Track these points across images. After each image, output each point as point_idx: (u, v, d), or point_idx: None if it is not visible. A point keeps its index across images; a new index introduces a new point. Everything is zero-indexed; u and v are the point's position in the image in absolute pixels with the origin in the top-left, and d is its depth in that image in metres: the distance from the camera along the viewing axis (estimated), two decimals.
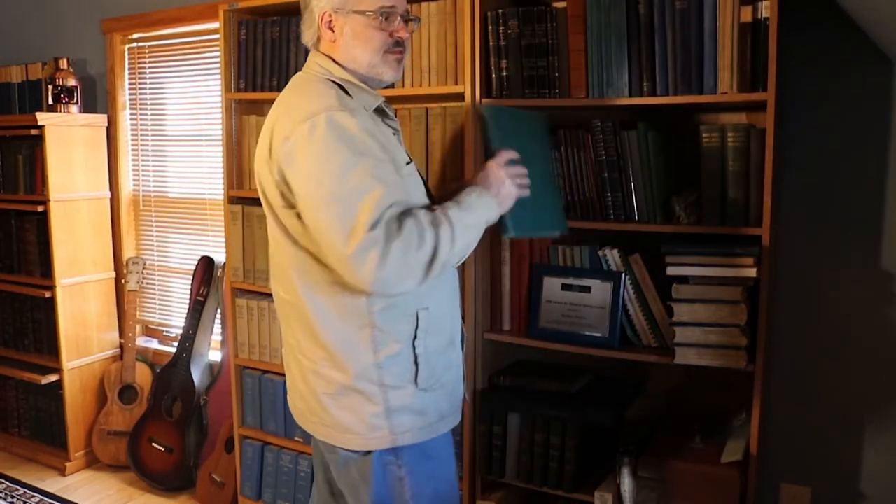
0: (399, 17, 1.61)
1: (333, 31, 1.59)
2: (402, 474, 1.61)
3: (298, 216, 1.51)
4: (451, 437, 1.72)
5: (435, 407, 1.63)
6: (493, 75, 2.20)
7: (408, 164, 1.61)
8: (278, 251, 1.62)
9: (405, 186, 1.52)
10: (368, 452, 1.59)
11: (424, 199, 1.61)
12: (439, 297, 1.63)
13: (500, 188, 1.62)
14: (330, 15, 1.59)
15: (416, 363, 1.58)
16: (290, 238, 1.56)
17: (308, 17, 1.63)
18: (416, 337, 1.58)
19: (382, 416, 1.57)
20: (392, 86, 2.32)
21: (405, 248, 1.40)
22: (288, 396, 1.76)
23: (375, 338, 1.55)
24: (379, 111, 1.62)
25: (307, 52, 2.44)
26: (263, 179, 1.58)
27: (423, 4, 2.27)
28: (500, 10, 2.16)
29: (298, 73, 1.67)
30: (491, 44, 2.19)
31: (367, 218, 1.39)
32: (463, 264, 2.23)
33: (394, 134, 1.64)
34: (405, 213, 1.44)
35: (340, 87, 1.56)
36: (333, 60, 1.61)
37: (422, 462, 1.63)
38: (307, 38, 1.66)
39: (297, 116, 1.48)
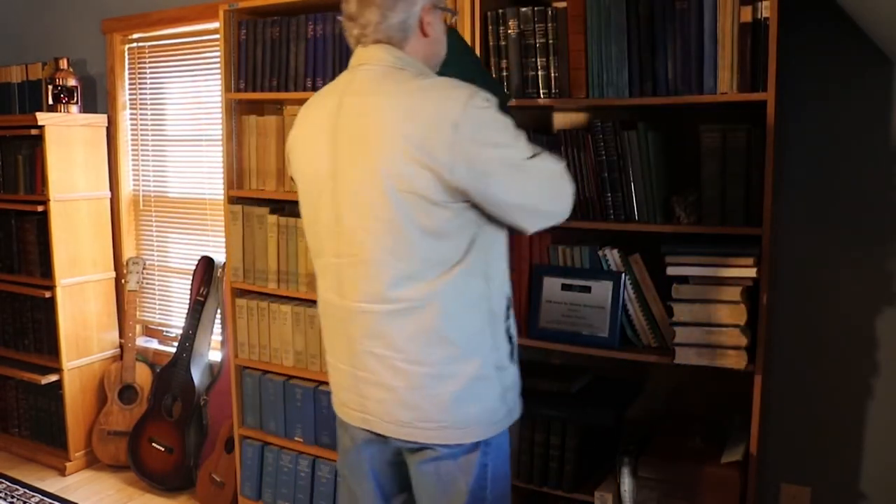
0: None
1: (428, 32, 1.54)
2: (487, 461, 1.61)
3: (446, 207, 1.45)
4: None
5: (520, 380, 1.66)
6: (493, 75, 2.20)
7: None
8: (409, 254, 1.48)
9: None
10: (477, 444, 1.58)
11: None
12: (506, 278, 1.65)
13: None
14: (429, 9, 1.53)
15: (510, 341, 1.61)
16: (433, 235, 1.47)
17: (405, 8, 1.50)
18: (507, 317, 1.61)
19: (500, 398, 1.58)
20: None
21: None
22: (360, 414, 1.61)
23: (491, 321, 1.56)
24: None
25: (307, 52, 2.43)
26: (405, 180, 1.43)
27: None
28: (500, 10, 2.16)
29: (369, 69, 1.52)
30: (491, 44, 2.19)
31: (552, 164, 1.53)
32: None
33: None
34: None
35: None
36: (410, 57, 1.54)
37: (500, 449, 1.64)
38: (393, 29, 1.51)
39: (451, 104, 1.42)
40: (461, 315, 1.51)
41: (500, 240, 1.58)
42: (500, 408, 1.58)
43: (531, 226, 1.57)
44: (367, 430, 1.62)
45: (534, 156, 1.49)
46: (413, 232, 1.46)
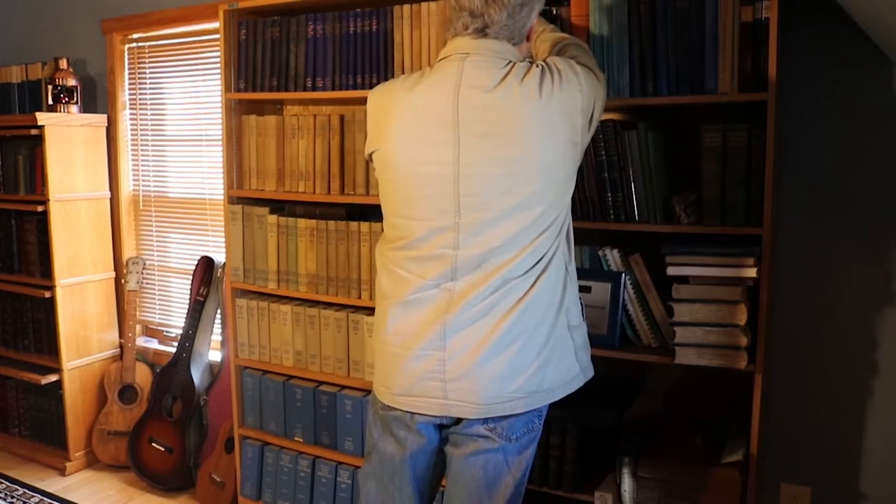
0: None
1: (531, 32, 1.66)
2: (530, 455, 1.68)
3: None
4: None
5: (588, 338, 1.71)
6: None
7: None
8: (537, 232, 1.54)
9: None
10: (540, 416, 1.65)
11: None
12: None
13: None
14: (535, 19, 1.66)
15: (580, 301, 1.67)
16: (556, 208, 1.58)
17: (527, 13, 1.58)
18: (570, 274, 1.65)
19: (573, 357, 1.63)
20: None
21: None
22: (440, 402, 1.59)
23: (568, 281, 1.62)
24: None
25: (307, 52, 2.43)
26: (551, 163, 1.54)
27: (423, 4, 2.27)
28: None
29: (494, 61, 1.55)
30: None
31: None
32: None
33: None
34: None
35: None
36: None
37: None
38: (512, 30, 1.57)
39: (568, 72, 1.55)
40: (553, 282, 1.57)
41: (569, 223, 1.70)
42: (573, 366, 1.63)
43: None
44: (430, 423, 1.63)
45: (592, 71, 1.62)
46: (548, 213, 1.56)
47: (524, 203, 1.52)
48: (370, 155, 1.66)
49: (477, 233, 1.53)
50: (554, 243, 1.58)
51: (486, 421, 1.58)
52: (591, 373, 1.69)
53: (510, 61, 1.55)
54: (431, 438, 1.66)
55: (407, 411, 1.62)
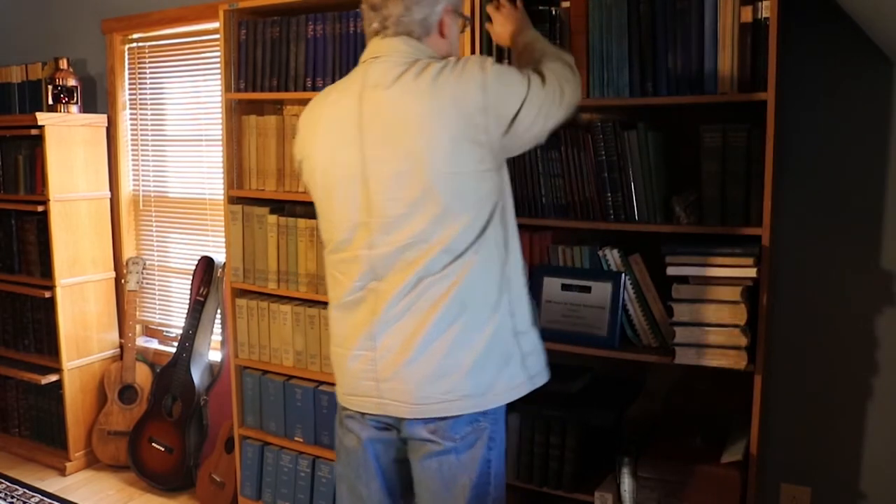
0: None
1: (446, 27, 1.63)
2: (490, 456, 1.64)
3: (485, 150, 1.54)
4: None
5: (542, 345, 1.68)
6: None
7: None
8: (448, 230, 1.53)
9: None
10: (485, 417, 1.61)
11: None
12: None
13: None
14: (450, 12, 1.63)
15: (532, 306, 1.65)
16: (469, 208, 1.54)
17: (428, 6, 1.58)
18: (525, 283, 1.64)
19: (520, 364, 1.60)
20: None
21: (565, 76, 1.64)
22: (376, 400, 1.62)
23: (506, 286, 1.59)
24: None
25: (307, 52, 2.43)
26: (449, 161, 1.52)
27: None
28: None
29: (384, 59, 1.58)
30: (494, 44, 2.19)
31: (558, 72, 1.63)
32: None
33: None
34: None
35: None
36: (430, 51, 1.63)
37: (502, 444, 1.67)
38: (414, 24, 1.58)
39: (472, 68, 1.52)
40: (479, 282, 1.55)
41: (512, 205, 1.65)
42: (518, 373, 1.60)
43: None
44: (380, 421, 1.64)
45: (542, 77, 1.58)
46: (453, 209, 1.52)
47: (424, 198, 1.52)
48: (299, 164, 1.71)
49: (387, 231, 1.55)
50: (475, 244, 1.54)
51: (425, 422, 1.59)
52: (541, 380, 1.66)
53: (416, 59, 1.55)
54: (386, 433, 1.67)
55: (356, 411, 1.67)
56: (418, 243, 1.54)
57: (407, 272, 1.55)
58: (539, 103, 1.55)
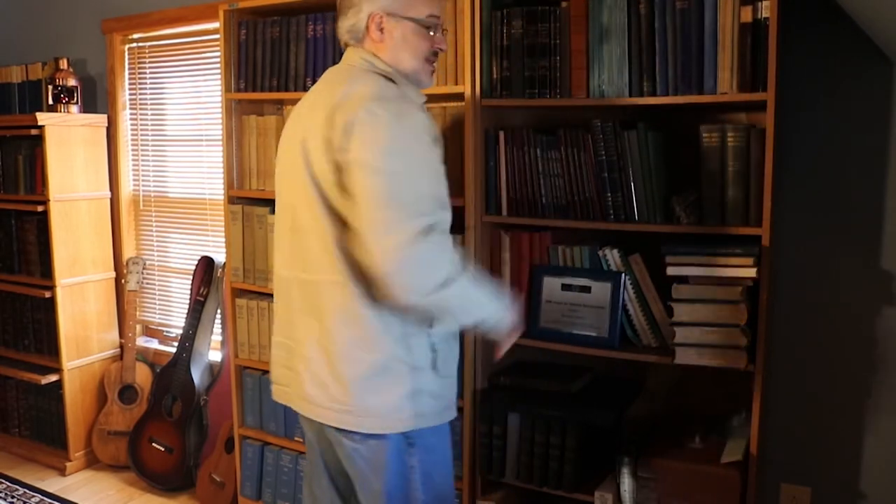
0: (442, 29, 1.69)
1: (382, 33, 1.64)
2: (414, 462, 1.64)
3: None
4: (448, 434, 1.75)
5: (448, 393, 1.70)
6: (494, 75, 2.20)
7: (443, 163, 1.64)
8: (321, 234, 1.60)
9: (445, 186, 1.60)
10: (384, 437, 1.61)
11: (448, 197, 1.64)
12: None
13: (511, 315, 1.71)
14: (381, 17, 1.63)
15: (433, 349, 1.63)
16: (340, 218, 1.56)
17: (353, 14, 1.65)
18: (431, 325, 1.63)
19: (407, 397, 1.59)
20: None
21: (434, 264, 1.50)
22: (285, 389, 1.73)
23: (404, 318, 1.59)
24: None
25: (307, 52, 2.45)
26: (315, 165, 1.58)
27: None
28: (506, 10, 2.16)
29: (337, 66, 1.72)
30: (494, 43, 2.19)
31: (418, 220, 1.48)
32: None
33: None
34: (444, 232, 1.55)
35: (388, 79, 1.62)
36: (376, 56, 1.65)
37: (430, 452, 1.67)
38: (347, 33, 1.68)
39: (358, 102, 1.52)
40: (372, 302, 1.56)
41: None
42: (405, 406, 1.59)
43: (373, 263, 1.50)
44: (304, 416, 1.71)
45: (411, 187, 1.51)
46: (322, 214, 1.58)
47: (300, 217, 1.64)
48: None
49: (295, 233, 1.67)
50: (341, 277, 1.57)
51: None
52: (434, 422, 1.65)
53: (369, 70, 1.63)
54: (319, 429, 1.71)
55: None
56: (310, 251, 1.65)
57: (307, 281, 1.67)
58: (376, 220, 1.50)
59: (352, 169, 1.50)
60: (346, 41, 1.70)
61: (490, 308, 1.65)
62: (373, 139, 1.49)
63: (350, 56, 1.69)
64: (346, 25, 1.67)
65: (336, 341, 1.59)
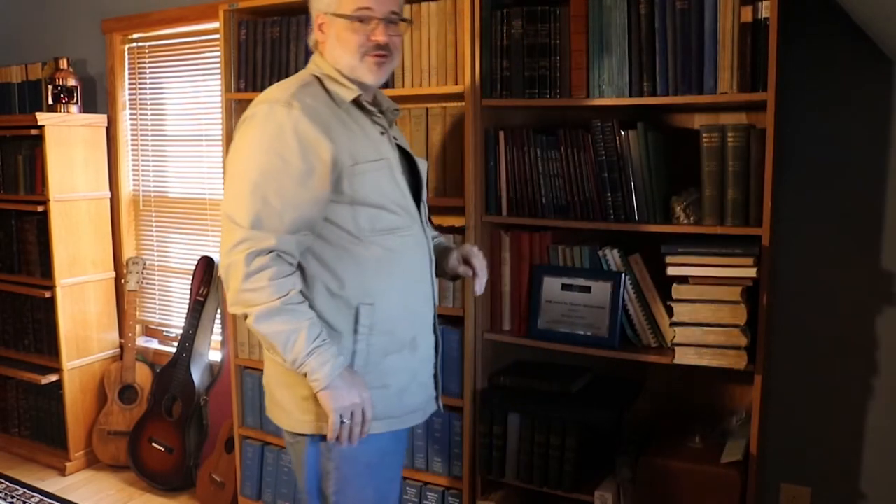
0: (378, 21, 1.62)
1: (324, 34, 1.66)
2: (330, 469, 1.63)
3: None
4: (399, 444, 1.70)
5: (384, 404, 1.61)
6: (494, 75, 2.20)
7: (373, 161, 1.60)
8: None
9: (315, 202, 1.53)
10: (304, 436, 1.63)
11: (387, 198, 1.62)
12: (391, 296, 1.63)
13: (350, 398, 1.54)
14: (322, 18, 1.65)
15: (353, 356, 1.59)
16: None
17: (312, 18, 1.69)
18: (356, 331, 1.59)
19: (312, 399, 1.57)
20: (392, 86, 2.34)
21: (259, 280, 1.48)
22: None
23: (325, 319, 1.57)
24: (361, 108, 1.64)
25: (307, 52, 2.45)
26: None
27: (423, 4, 2.27)
28: (506, 10, 2.16)
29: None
30: (494, 43, 2.19)
31: (241, 234, 1.49)
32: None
33: (381, 133, 1.66)
34: (279, 259, 1.50)
35: (320, 81, 1.63)
36: (320, 55, 1.69)
37: (352, 463, 1.63)
38: (311, 40, 1.72)
39: (256, 100, 1.59)
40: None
41: (352, 258, 1.59)
42: (310, 409, 1.59)
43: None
44: None
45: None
46: None
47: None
48: None
49: None
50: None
51: None
52: (307, 430, 1.62)
53: (309, 73, 1.66)
54: None
55: None
56: None
57: None
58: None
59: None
60: (311, 49, 1.74)
61: (316, 370, 1.50)
62: (235, 147, 1.57)
63: (315, 60, 1.71)
64: (310, 33, 1.72)
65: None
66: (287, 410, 1.64)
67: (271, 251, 1.49)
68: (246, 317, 1.51)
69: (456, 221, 2.34)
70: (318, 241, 1.58)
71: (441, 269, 1.83)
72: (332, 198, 1.55)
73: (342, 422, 1.52)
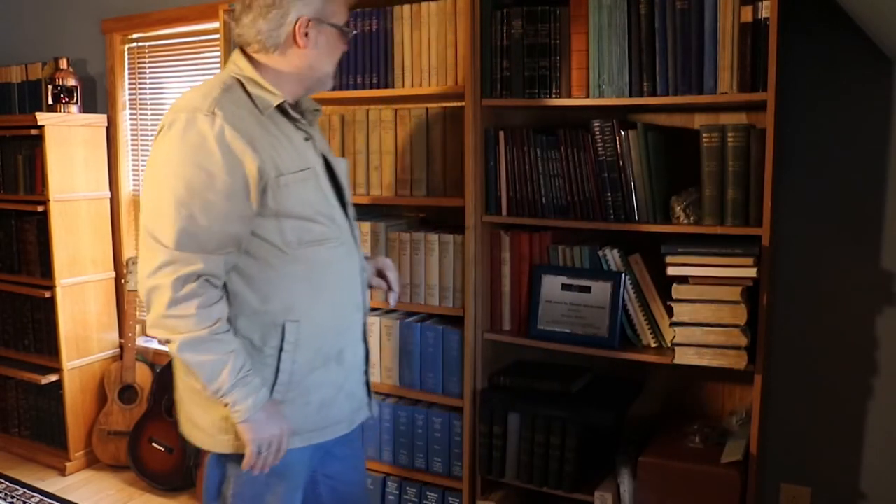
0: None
1: (307, 38, 1.56)
2: (231, 474, 1.62)
3: None
4: (306, 456, 1.66)
5: (287, 420, 1.57)
6: (494, 75, 2.20)
7: (299, 171, 1.54)
8: None
9: (242, 218, 1.49)
10: (207, 453, 1.64)
11: (313, 209, 1.57)
12: (318, 311, 1.59)
13: (269, 431, 1.52)
14: (308, 22, 1.56)
15: (276, 374, 1.56)
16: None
17: (277, 17, 1.54)
18: (282, 349, 1.55)
19: (215, 424, 1.56)
20: (392, 86, 2.34)
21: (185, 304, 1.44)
22: None
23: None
24: (285, 114, 1.59)
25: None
26: None
27: (423, 4, 2.27)
28: (506, 10, 2.16)
29: (217, 77, 1.63)
30: (494, 43, 2.19)
31: (163, 258, 1.43)
32: (462, 263, 2.24)
33: (306, 139, 1.61)
34: (208, 282, 1.46)
35: (243, 86, 1.55)
36: (250, 60, 1.58)
37: (244, 483, 1.61)
38: (262, 35, 1.55)
39: (174, 108, 1.51)
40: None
41: (278, 273, 1.54)
42: (216, 432, 1.57)
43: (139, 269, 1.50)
44: None
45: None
46: None
47: None
48: None
49: None
50: None
51: None
52: (226, 449, 1.58)
53: (231, 76, 1.56)
54: None
55: None
56: None
57: None
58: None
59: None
60: (249, 41, 1.57)
61: (238, 402, 1.48)
62: (154, 159, 1.50)
63: (234, 60, 1.60)
64: (262, 27, 1.54)
65: None
66: (206, 431, 1.59)
67: (200, 276, 1.44)
68: (168, 342, 1.46)
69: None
70: (243, 256, 1.51)
71: None
72: (258, 211, 1.49)
73: (259, 452, 1.51)
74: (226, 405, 1.49)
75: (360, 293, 1.70)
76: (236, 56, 1.60)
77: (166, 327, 1.45)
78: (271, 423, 1.51)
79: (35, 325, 3.42)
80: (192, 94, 1.52)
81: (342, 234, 1.64)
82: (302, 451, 1.62)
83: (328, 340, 1.62)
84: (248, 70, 1.56)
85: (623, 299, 2.11)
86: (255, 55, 1.58)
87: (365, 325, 1.74)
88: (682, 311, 1.98)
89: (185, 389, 1.62)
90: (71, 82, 3.37)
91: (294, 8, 1.54)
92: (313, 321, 1.58)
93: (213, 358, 1.45)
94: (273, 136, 1.53)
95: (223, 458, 1.63)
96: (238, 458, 1.56)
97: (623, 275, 2.12)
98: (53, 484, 3.26)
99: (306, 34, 1.56)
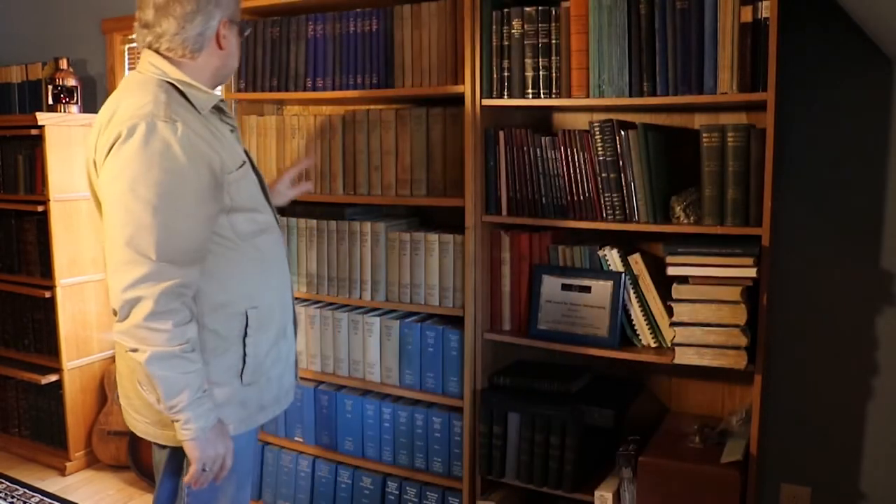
0: None
1: (226, 40, 1.63)
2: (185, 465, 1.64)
3: None
4: (255, 434, 1.77)
5: (256, 399, 1.68)
6: (494, 75, 2.20)
7: (240, 167, 1.59)
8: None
9: (209, 219, 1.52)
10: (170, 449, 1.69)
11: (256, 200, 1.66)
12: (269, 295, 1.68)
13: (214, 448, 1.56)
14: (226, 25, 1.62)
15: (243, 360, 1.63)
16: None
17: (203, 21, 1.57)
18: (246, 335, 1.62)
19: (157, 413, 1.61)
20: (392, 86, 2.34)
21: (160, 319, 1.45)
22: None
23: (203, 338, 1.56)
24: (216, 108, 1.64)
25: (308, 52, 2.44)
26: (92, 175, 1.59)
27: (423, 4, 2.27)
28: (506, 10, 2.16)
29: (132, 72, 1.66)
30: (494, 43, 2.19)
31: (134, 270, 1.44)
32: (462, 263, 2.24)
33: (231, 131, 1.67)
34: (184, 297, 1.48)
35: (176, 88, 1.56)
36: (169, 61, 1.58)
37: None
38: (188, 41, 1.57)
39: (124, 116, 1.47)
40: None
41: (233, 264, 1.59)
42: (163, 426, 1.62)
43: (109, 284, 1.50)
44: None
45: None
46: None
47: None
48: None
49: None
50: None
51: None
52: (169, 442, 1.63)
53: (158, 80, 1.55)
54: None
55: None
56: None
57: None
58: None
59: (101, 193, 1.52)
60: (170, 47, 1.57)
61: (190, 421, 1.50)
62: (118, 170, 1.45)
63: (142, 62, 1.60)
64: (190, 33, 1.55)
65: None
66: (154, 424, 1.65)
67: (180, 290, 1.46)
68: (135, 350, 1.47)
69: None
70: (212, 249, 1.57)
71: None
72: (219, 210, 1.55)
73: (204, 470, 1.55)
74: (175, 421, 1.52)
75: (289, 273, 1.83)
76: (153, 58, 1.58)
77: (138, 337, 1.46)
78: (217, 444, 1.55)
79: (35, 325, 3.42)
80: (136, 100, 1.50)
81: (275, 219, 1.75)
82: (253, 431, 1.73)
83: (278, 320, 1.71)
84: (173, 72, 1.57)
85: (623, 299, 2.11)
86: (177, 58, 1.59)
87: (293, 300, 1.87)
88: (681, 311, 1.98)
89: (133, 391, 1.67)
90: (71, 82, 3.37)
91: (218, 12, 1.59)
92: (267, 304, 1.67)
93: (176, 374, 1.47)
94: (215, 135, 1.58)
95: (174, 464, 1.71)
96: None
97: (623, 275, 2.12)
98: (53, 484, 3.26)
99: (225, 36, 1.62)
